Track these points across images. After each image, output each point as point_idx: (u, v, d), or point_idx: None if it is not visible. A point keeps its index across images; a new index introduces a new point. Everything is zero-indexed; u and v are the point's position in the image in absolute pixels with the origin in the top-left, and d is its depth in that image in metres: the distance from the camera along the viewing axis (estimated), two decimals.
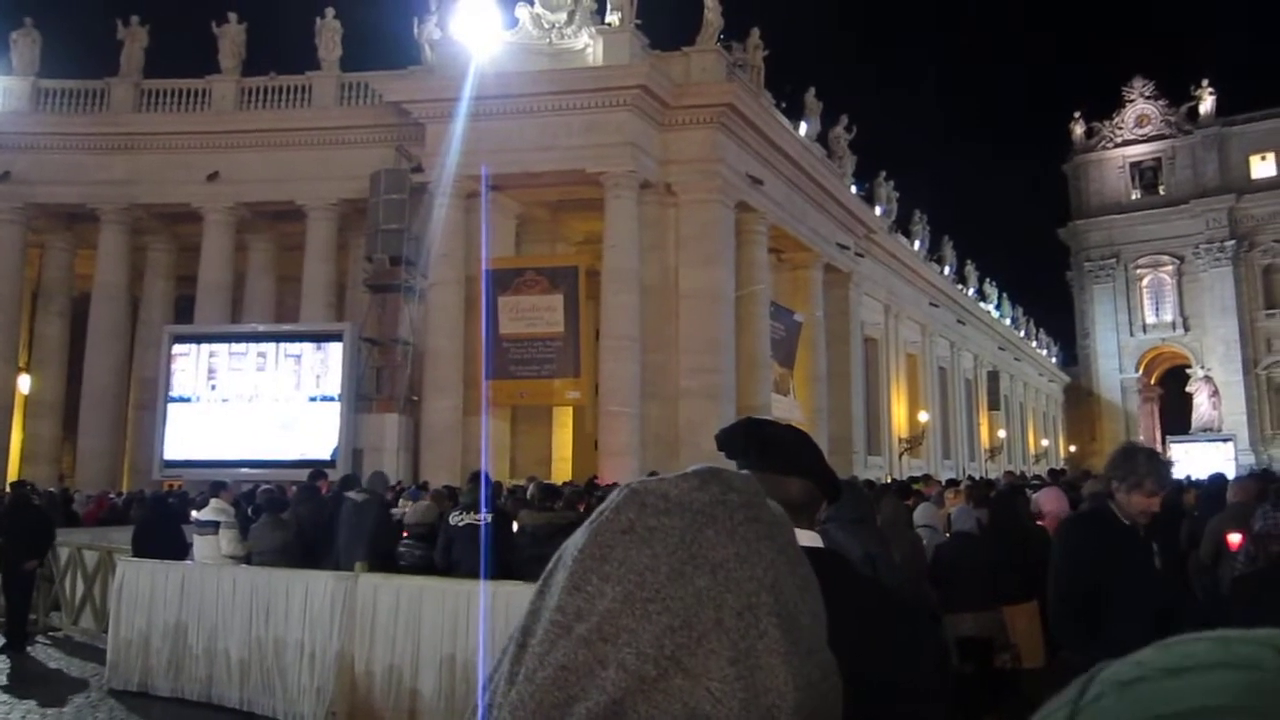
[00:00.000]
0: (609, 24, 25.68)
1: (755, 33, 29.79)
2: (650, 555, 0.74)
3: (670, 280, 25.83)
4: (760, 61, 29.70)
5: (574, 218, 28.21)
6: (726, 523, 0.77)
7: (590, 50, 25.77)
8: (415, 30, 27.39)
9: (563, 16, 25.99)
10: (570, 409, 27.20)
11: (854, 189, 37.19)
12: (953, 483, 13.92)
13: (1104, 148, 70.13)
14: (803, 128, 33.02)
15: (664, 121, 25.97)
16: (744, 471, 0.89)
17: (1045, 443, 68.17)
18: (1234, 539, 7.09)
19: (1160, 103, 68.82)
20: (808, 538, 2.08)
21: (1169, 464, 5.10)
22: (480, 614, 8.04)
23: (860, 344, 37.08)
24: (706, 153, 26.16)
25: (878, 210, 39.89)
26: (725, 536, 0.76)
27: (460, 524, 9.20)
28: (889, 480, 21.68)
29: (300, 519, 11.21)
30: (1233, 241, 64.26)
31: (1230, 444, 48.25)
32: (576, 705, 0.69)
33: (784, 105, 31.49)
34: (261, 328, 26.97)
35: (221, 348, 25.71)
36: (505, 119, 24.73)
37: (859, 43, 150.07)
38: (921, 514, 8.70)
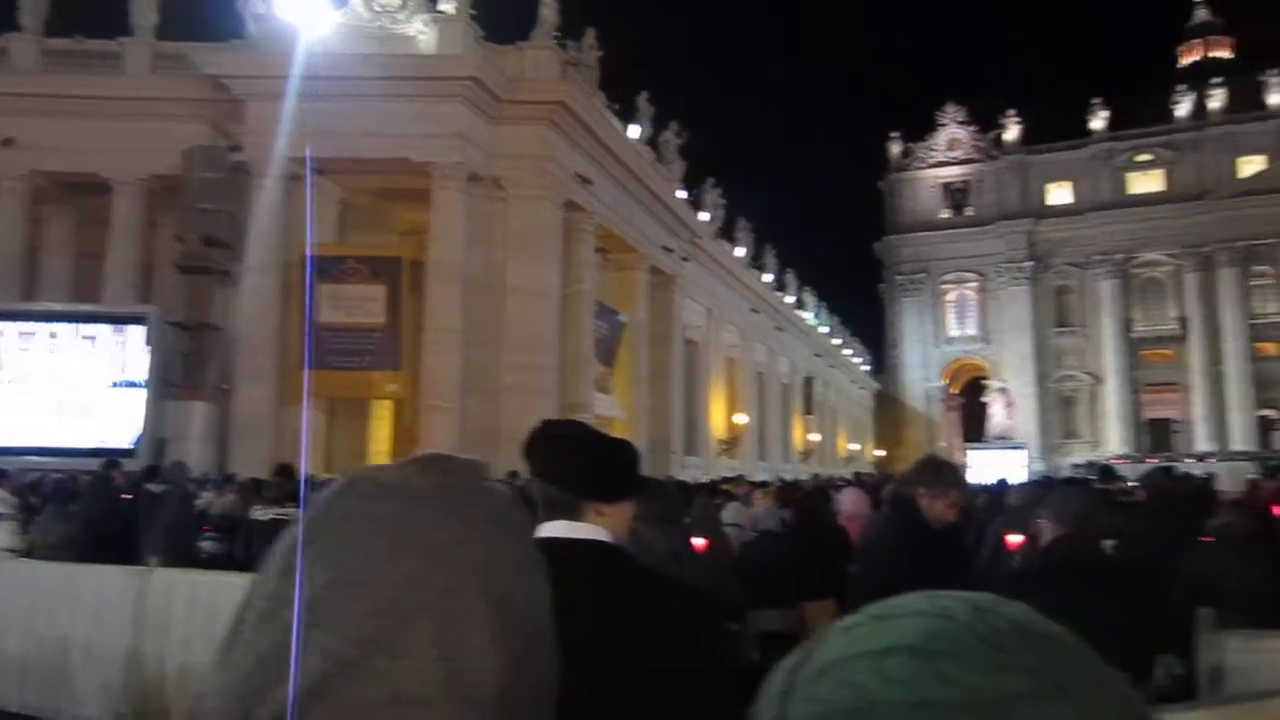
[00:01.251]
0: (443, 12, 25.33)
1: (591, 32, 29.94)
2: (360, 539, 0.77)
3: (496, 275, 25.67)
4: (595, 62, 29.85)
5: (399, 207, 27.67)
6: (442, 507, 0.80)
7: (422, 38, 25.33)
8: (238, 2, 26.30)
9: (396, 1, 25.47)
10: (390, 402, 26.66)
11: (682, 194, 37.81)
12: (763, 484, 14.34)
13: (918, 167, 73.73)
14: (634, 130, 33.36)
15: (495, 115, 25.78)
16: (476, 458, 0.92)
17: (855, 447, 70.94)
18: (1013, 540, 7.56)
19: (970, 128, 72.85)
20: (585, 530, 2.27)
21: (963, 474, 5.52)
22: (295, 612, 7.78)
23: (681, 346, 37.71)
24: (537, 149, 26.11)
25: (704, 216, 40.69)
26: (439, 519, 0.79)
27: (264, 518, 8.90)
28: (706, 481, 22.16)
29: (89, 510, 10.59)
30: (1030, 262, 68.67)
31: (1023, 451, 51.25)
32: (276, 690, 0.71)
33: (616, 107, 31.77)
34: (56, 306, 25.32)
35: (10, 326, 23.99)
36: (331, 101, 23.97)
37: (693, 51, 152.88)
38: (730, 513, 8.94)
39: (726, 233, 45.56)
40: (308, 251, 23.67)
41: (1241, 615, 5.43)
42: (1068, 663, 0.69)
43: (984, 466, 36.58)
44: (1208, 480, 11.66)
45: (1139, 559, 7.02)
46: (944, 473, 4.94)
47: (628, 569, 2.31)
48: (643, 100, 34.68)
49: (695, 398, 39.68)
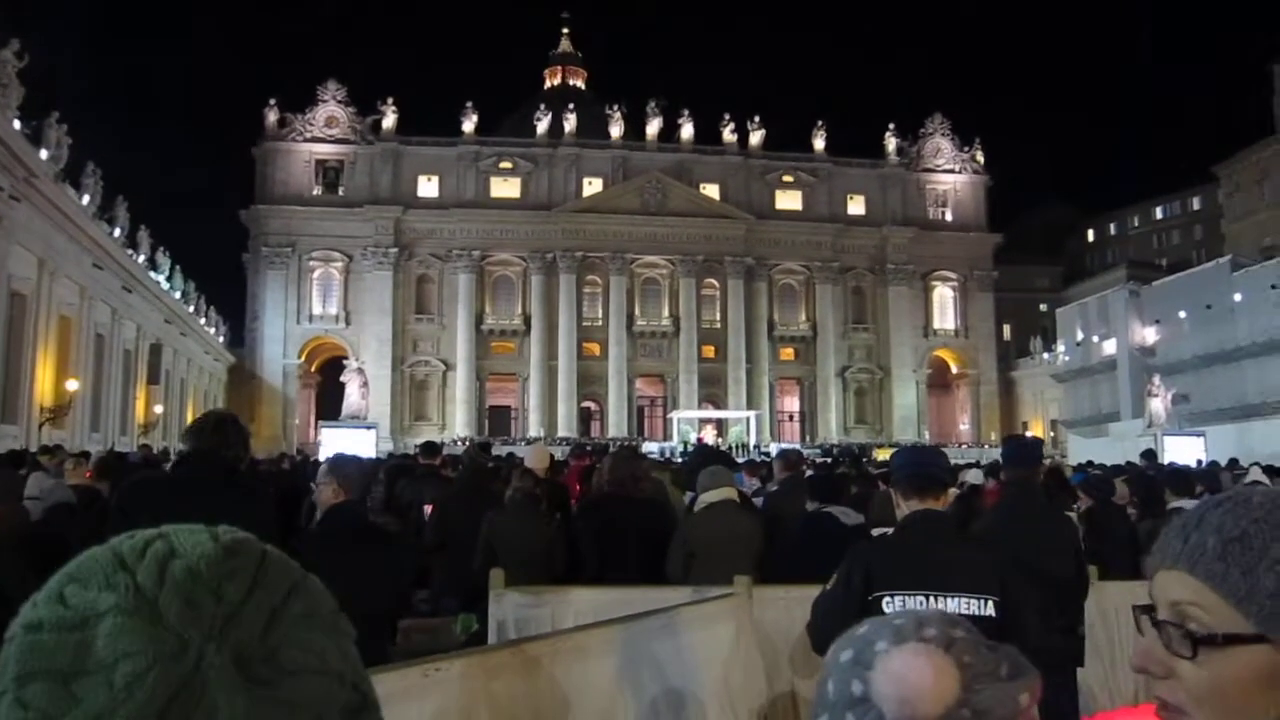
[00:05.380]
0: None
1: None
2: None
3: None
4: None
5: None
6: None
7: None
8: None
9: None
10: None
11: (18, 124, 33.12)
12: (84, 454, 13.08)
13: (294, 140, 72.30)
14: None
15: None
16: None
17: None
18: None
19: (350, 109, 73.12)
20: None
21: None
22: None
23: (6, 299, 33.06)
24: None
25: (44, 154, 36.05)
26: None
27: None
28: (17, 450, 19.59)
29: None
30: (396, 249, 70.88)
31: (374, 431, 52.53)
32: None
33: None
34: None
35: None
36: None
37: None
38: (33, 484, 8.02)
39: (71, 176, 40.82)
40: None
41: (524, 570, 6.06)
42: (187, 585, 0.72)
43: (336, 444, 36.78)
44: (512, 458, 12.97)
45: (449, 524, 7.62)
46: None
47: None
48: None
49: (19, 359, 34.99)
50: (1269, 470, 13.83)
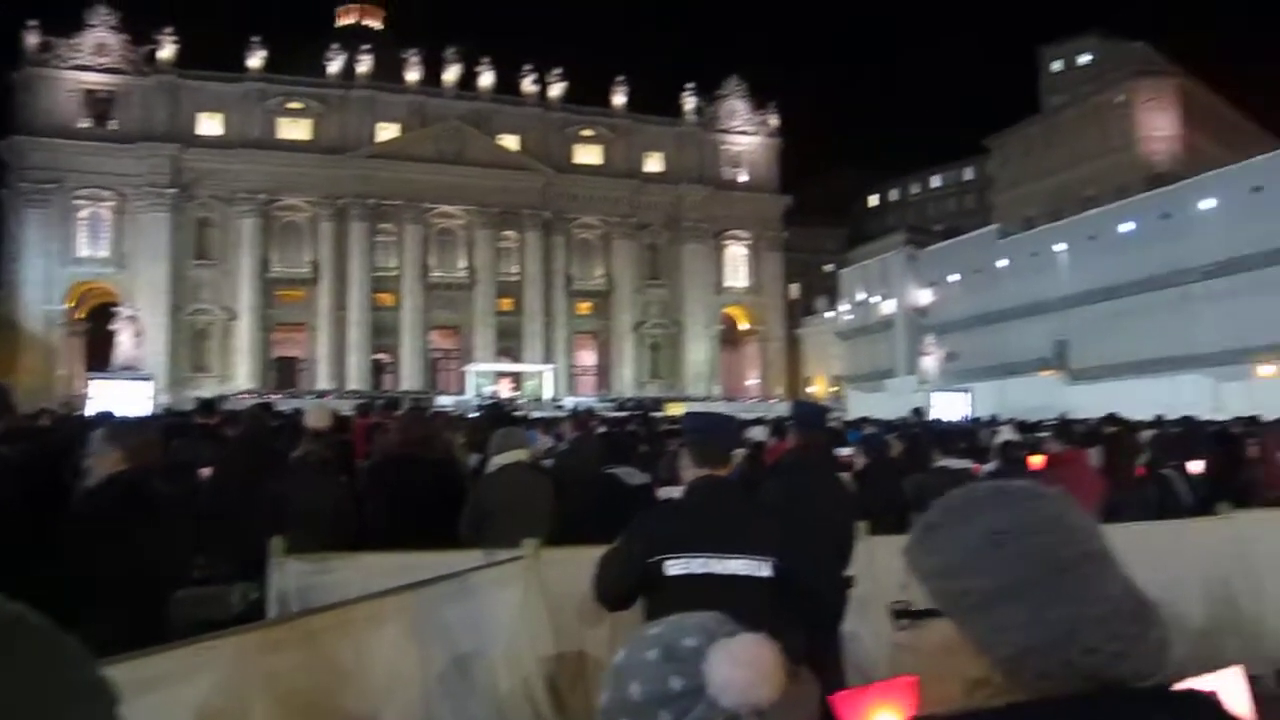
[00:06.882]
0: None
1: None
2: None
3: None
4: None
5: None
6: None
7: None
8: None
9: None
10: None
11: None
12: None
13: (59, 66, 66.67)
14: None
15: None
16: None
17: None
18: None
19: (123, 36, 67.98)
20: None
21: None
22: None
23: None
24: None
25: None
26: None
27: None
28: None
29: None
30: (173, 190, 66.79)
31: (150, 382, 49.61)
32: None
33: None
34: None
35: None
36: None
37: None
38: None
39: None
40: None
41: (311, 537, 5.89)
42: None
43: (107, 397, 34.57)
44: (297, 414, 12.57)
45: (228, 488, 7.32)
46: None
47: None
48: None
49: None
50: (1021, 426, 14.94)
